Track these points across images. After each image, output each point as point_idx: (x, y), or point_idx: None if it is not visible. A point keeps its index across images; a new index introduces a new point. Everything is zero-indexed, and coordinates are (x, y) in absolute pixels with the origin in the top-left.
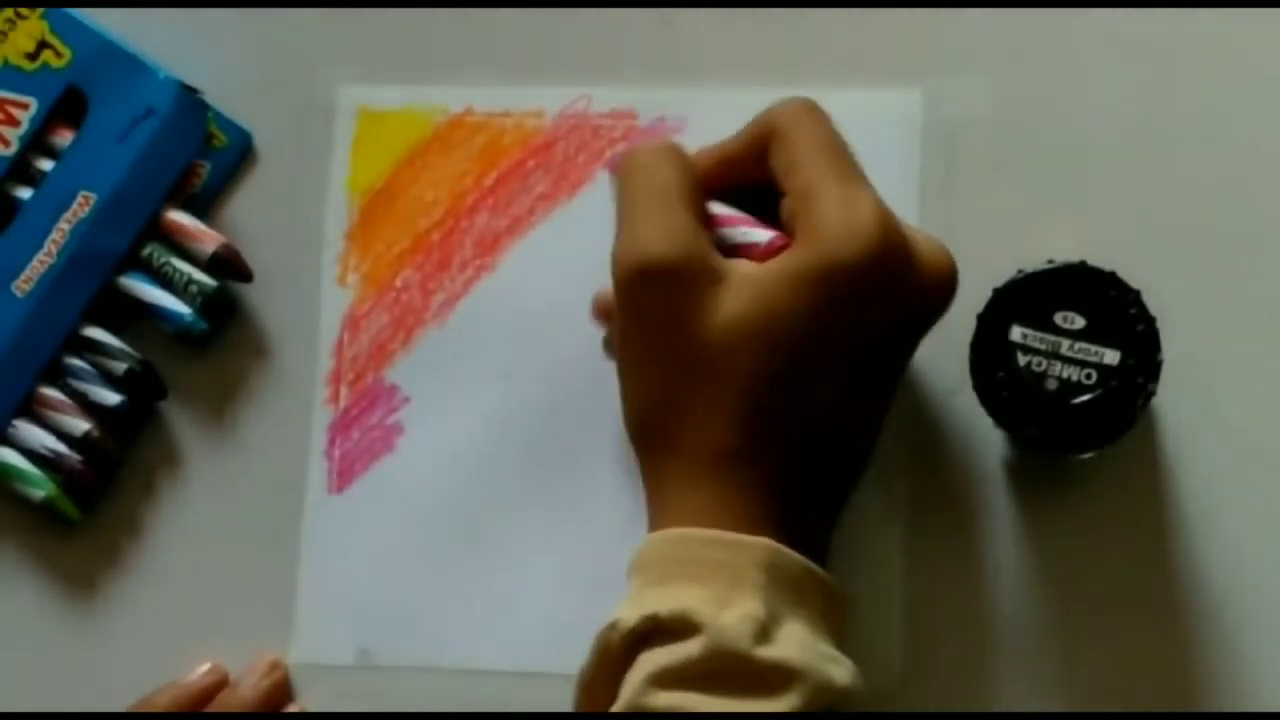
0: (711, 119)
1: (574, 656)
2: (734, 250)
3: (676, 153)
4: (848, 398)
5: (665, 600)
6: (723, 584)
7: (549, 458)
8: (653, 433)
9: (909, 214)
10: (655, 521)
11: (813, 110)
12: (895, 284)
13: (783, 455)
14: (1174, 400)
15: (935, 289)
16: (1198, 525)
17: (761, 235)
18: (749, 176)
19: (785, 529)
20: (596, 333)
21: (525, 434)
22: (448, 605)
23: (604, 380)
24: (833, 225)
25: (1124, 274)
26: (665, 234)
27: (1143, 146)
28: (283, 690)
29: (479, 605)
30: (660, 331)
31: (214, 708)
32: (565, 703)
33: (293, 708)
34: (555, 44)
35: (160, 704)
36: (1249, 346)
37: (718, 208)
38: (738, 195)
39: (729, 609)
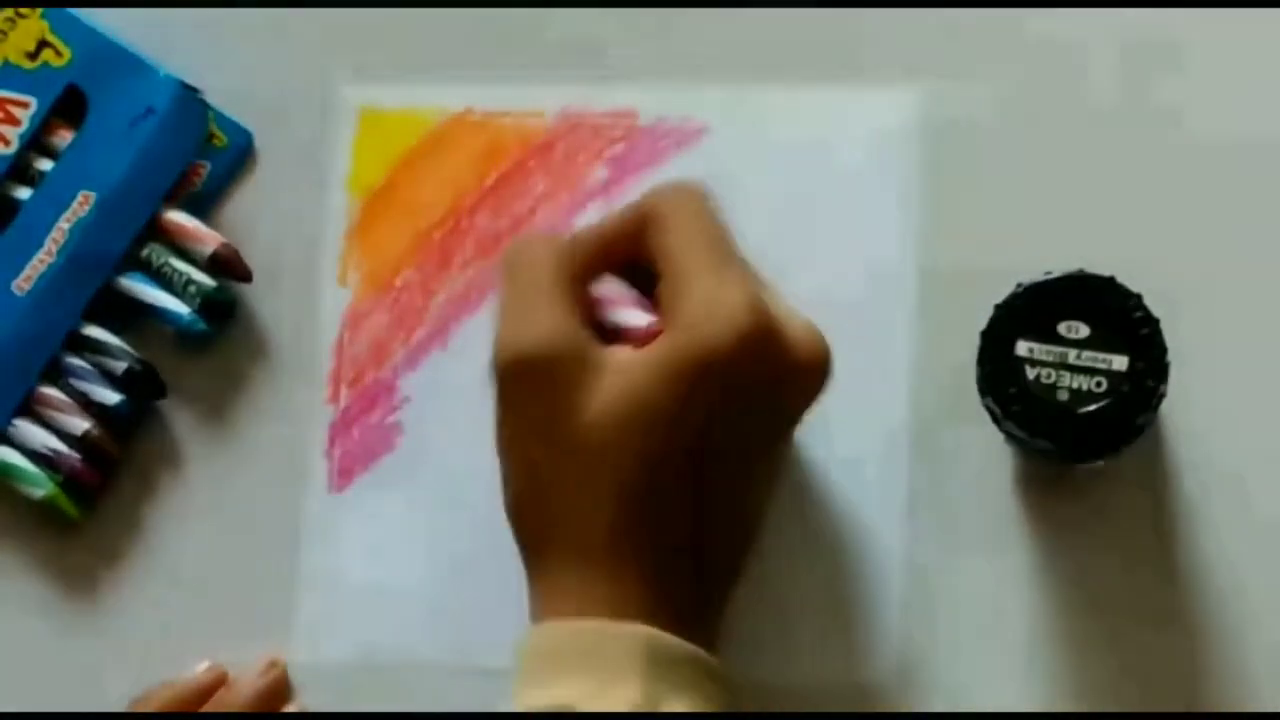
0: (712, 119)
1: None
2: (616, 332)
3: (553, 242)
4: (725, 482)
5: (544, 696)
6: (601, 674)
7: None
8: (531, 522)
9: (907, 214)
10: (535, 612)
11: (693, 196)
12: (765, 370)
13: (662, 542)
14: (1177, 404)
15: (807, 374)
16: (1205, 528)
17: (640, 319)
18: (629, 257)
19: (668, 615)
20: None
21: None
22: (448, 605)
23: None
24: (700, 313)
25: (1123, 277)
26: (539, 326)
27: (1142, 147)
28: (281, 688)
29: (480, 605)
30: (537, 423)
31: (211, 707)
32: None
33: (292, 707)
34: (556, 44)
35: (156, 703)
36: (1251, 347)
37: (606, 287)
38: (633, 270)
39: (605, 697)
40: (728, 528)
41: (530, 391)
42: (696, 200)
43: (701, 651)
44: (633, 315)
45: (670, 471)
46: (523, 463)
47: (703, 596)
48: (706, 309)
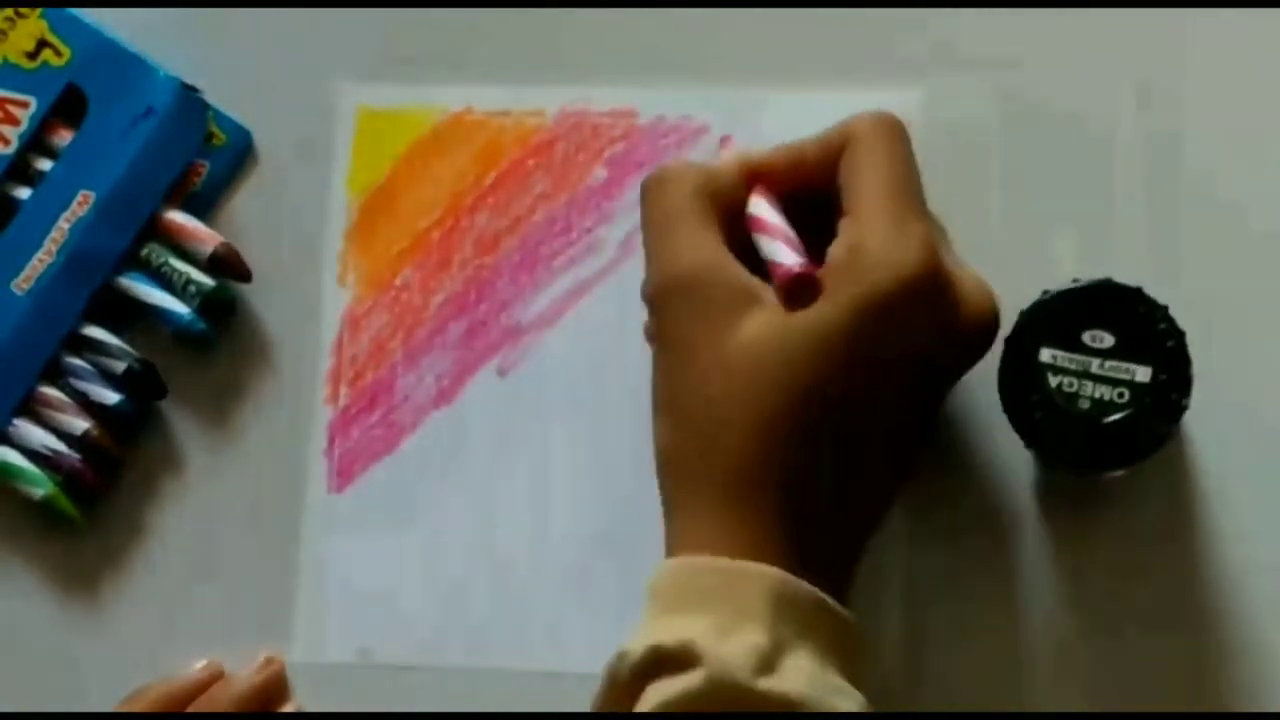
0: (712, 119)
1: (573, 656)
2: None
3: (692, 171)
4: (874, 429)
5: (670, 630)
6: (727, 614)
7: (549, 457)
8: (675, 455)
9: None
10: (669, 548)
11: (893, 128)
12: (930, 321)
13: (804, 483)
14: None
15: (974, 331)
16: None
17: (787, 257)
18: (821, 181)
19: (799, 558)
20: (595, 334)
21: (525, 434)
22: (448, 605)
23: (605, 381)
24: (873, 255)
25: (1122, 279)
26: (688, 250)
27: (1145, 148)
28: (278, 685)
29: (479, 605)
30: (690, 344)
31: (204, 701)
32: (565, 702)
33: (290, 707)
34: (555, 44)
35: (151, 697)
36: (1275, 360)
37: (762, 209)
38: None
39: (730, 639)
40: (873, 477)
41: (683, 313)
42: (894, 133)
43: (828, 599)
44: (780, 250)
45: (818, 408)
46: (671, 392)
47: (839, 543)
48: (880, 252)
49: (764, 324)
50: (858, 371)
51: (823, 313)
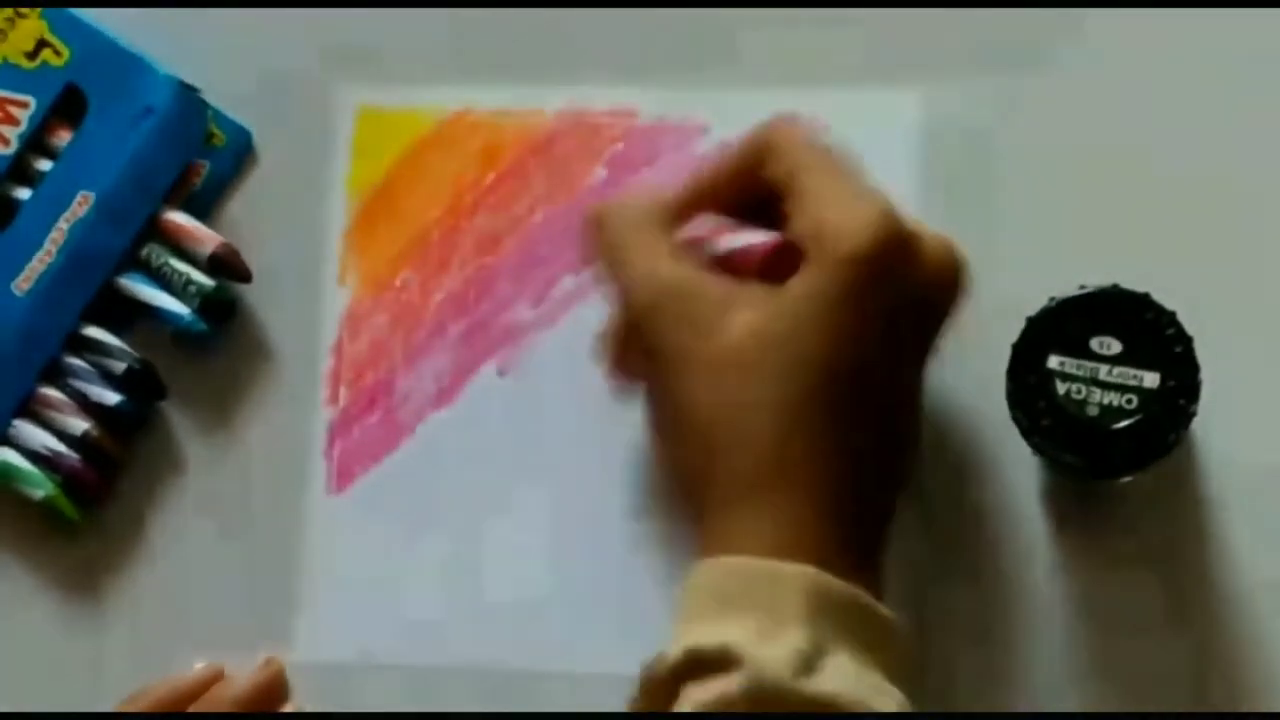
0: (712, 119)
1: (573, 656)
2: (729, 259)
3: (642, 198)
4: (875, 405)
5: (707, 633)
6: (765, 615)
7: (551, 457)
8: (691, 464)
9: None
10: (701, 549)
11: (803, 128)
12: (906, 277)
13: (821, 470)
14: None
15: (943, 283)
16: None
17: (759, 236)
18: (742, 194)
19: (832, 553)
20: (593, 331)
21: (526, 433)
22: (448, 605)
23: (605, 381)
24: (839, 220)
25: (1128, 283)
26: (664, 263)
27: (1150, 150)
28: (278, 685)
29: (479, 605)
30: (688, 353)
31: (205, 701)
32: (565, 702)
33: (290, 707)
34: (555, 44)
35: (151, 698)
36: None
37: (698, 227)
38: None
39: (771, 642)
40: (880, 457)
41: (673, 322)
42: (807, 131)
43: (864, 594)
44: (749, 235)
45: (823, 390)
46: (678, 401)
47: (867, 529)
48: (845, 218)
49: (757, 313)
50: (857, 335)
51: (808, 282)
